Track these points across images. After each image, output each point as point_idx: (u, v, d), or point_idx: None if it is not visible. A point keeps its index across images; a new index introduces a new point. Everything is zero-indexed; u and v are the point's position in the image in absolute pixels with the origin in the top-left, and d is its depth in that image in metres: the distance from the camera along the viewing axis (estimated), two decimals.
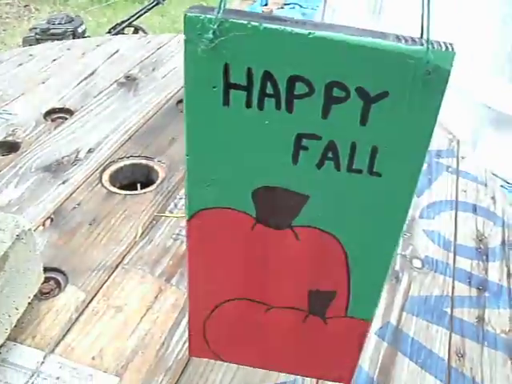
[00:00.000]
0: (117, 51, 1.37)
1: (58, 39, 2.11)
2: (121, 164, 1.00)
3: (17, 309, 0.69)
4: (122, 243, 0.86)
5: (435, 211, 1.00)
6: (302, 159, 0.41)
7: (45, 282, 0.76)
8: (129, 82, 1.27)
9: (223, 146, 0.42)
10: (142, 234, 0.88)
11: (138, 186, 0.99)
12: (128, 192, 0.96)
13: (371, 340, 0.76)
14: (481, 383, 0.73)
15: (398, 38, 0.37)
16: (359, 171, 0.41)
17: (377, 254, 0.46)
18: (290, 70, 0.38)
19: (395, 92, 0.38)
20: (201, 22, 0.37)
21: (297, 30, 0.36)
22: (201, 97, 0.40)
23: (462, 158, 1.15)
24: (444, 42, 0.36)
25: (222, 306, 0.51)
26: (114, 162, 1.01)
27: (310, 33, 0.36)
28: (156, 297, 0.78)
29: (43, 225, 0.88)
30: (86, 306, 0.76)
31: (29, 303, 0.71)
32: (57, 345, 0.72)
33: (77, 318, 0.75)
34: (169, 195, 0.96)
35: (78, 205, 0.92)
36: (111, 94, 1.22)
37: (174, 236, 0.88)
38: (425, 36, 0.36)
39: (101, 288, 0.79)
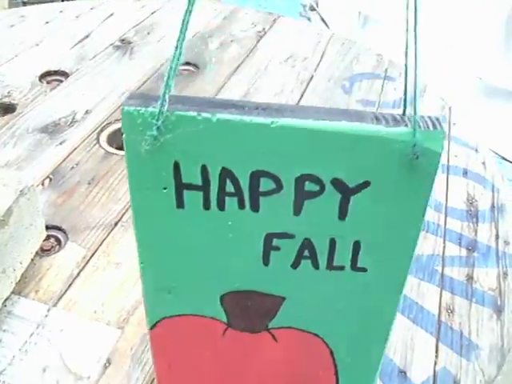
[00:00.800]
0: (111, 14, 1.37)
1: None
2: (118, 125, 1.00)
3: (21, 263, 0.70)
4: (120, 202, 0.87)
5: None
6: (274, 260, 0.36)
7: (45, 239, 0.77)
8: (124, 45, 1.27)
9: (182, 250, 0.37)
10: None
11: None
12: None
13: None
14: (468, 335, 0.75)
15: (376, 118, 0.32)
16: (341, 268, 0.36)
17: (365, 355, 0.42)
18: (252, 164, 0.32)
19: (378, 181, 0.33)
20: (141, 117, 0.31)
21: (257, 119, 0.31)
22: (150, 200, 0.35)
23: (454, 124, 1.17)
24: (430, 117, 0.31)
25: None
26: (111, 123, 1.02)
27: (272, 122, 0.31)
28: None
29: (42, 184, 0.89)
30: (87, 262, 0.78)
31: (31, 259, 0.73)
32: (59, 299, 0.73)
33: (78, 274, 0.77)
34: None
35: (77, 165, 0.93)
36: (106, 57, 1.22)
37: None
38: (408, 112, 0.31)
39: (101, 245, 0.80)
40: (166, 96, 0.30)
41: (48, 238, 0.79)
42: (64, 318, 0.71)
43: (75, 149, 0.96)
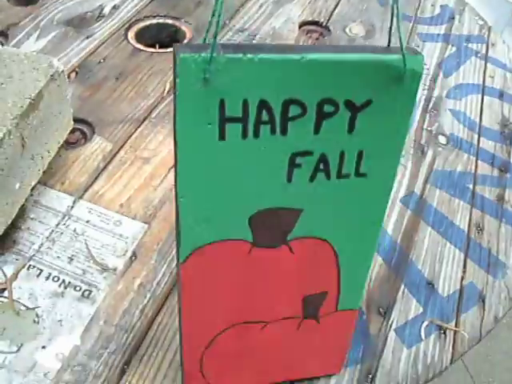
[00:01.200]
0: None
1: None
2: (147, 22, 0.97)
3: (49, 152, 0.68)
4: (149, 98, 0.85)
5: (462, 93, 0.98)
6: (296, 176, 0.42)
7: (71, 132, 0.75)
8: None
9: (219, 180, 0.41)
10: (170, 90, 0.86)
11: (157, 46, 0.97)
12: (155, 50, 0.94)
13: (395, 206, 0.77)
14: (496, 254, 0.74)
15: (375, 49, 0.39)
16: (347, 175, 0.43)
17: (363, 249, 0.48)
18: (284, 94, 0.38)
19: (377, 99, 0.40)
20: (194, 62, 0.35)
21: (289, 56, 0.37)
22: (195, 135, 0.38)
23: (492, 44, 1.12)
24: (410, 47, 0.39)
25: (219, 337, 0.50)
26: (139, 20, 0.98)
27: (302, 57, 0.37)
28: None
29: (68, 77, 0.86)
30: (114, 156, 0.76)
31: (58, 149, 0.71)
32: (85, 191, 0.72)
33: (104, 167, 0.75)
34: None
35: (104, 60, 0.90)
36: None
37: None
38: (397, 44, 0.38)
39: (128, 139, 0.79)
40: (216, 43, 0.35)
41: (74, 131, 0.77)
42: (90, 209, 0.70)
43: (103, 43, 0.93)
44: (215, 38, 0.35)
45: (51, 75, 0.65)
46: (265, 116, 0.39)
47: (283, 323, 0.51)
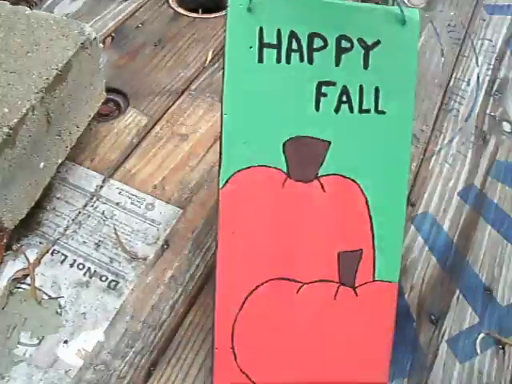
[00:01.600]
0: None
1: None
2: None
3: (77, 126, 0.62)
4: (189, 67, 0.78)
5: None
6: (323, 105, 0.48)
7: (104, 103, 0.69)
8: None
9: (257, 101, 0.47)
10: (212, 59, 0.80)
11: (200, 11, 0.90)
12: (197, 15, 0.87)
13: (453, 200, 0.69)
14: None
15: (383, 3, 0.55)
16: (368, 111, 0.49)
17: (392, 197, 0.51)
18: (310, 28, 0.48)
19: (384, 40, 0.49)
20: (244, 2, 0.46)
21: None
22: (240, 56, 0.47)
23: None
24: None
25: (254, 293, 0.49)
26: None
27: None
28: None
29: (103, 43, 0.80)
30: (149, 131, 0.70)
31: (88, 123, 0.65)
32: (116, 169, 0.66)
33: (138, 143, 0.69)
34: None
35: (142, 24, 0.84)
36: None
37: None
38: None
39: (165, 113, 0.72)
40: None
41: (107, 101, 0.71)
42: (120, 190, 0.65)
43: (141, 6, 0.86)
44: None
45: (82, 43, 0.59)
46: (294, 45, 0.48)
47: (319, 287, 0.50)
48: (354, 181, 0.50)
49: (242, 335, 0.49)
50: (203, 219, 0.63)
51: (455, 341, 0.58)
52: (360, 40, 0.49)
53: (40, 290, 0.57)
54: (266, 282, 0.49)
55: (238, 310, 0.49)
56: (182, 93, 0.75)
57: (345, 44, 0.48)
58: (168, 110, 0.73)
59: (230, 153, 0.47)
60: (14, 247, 0.59)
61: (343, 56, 0.48)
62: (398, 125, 0.50)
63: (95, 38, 0.61)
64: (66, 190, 0.64)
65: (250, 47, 0.47)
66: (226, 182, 0.48)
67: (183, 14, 0.86)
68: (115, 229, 0.61)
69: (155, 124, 0.71)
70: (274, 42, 0.47)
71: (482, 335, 0.59)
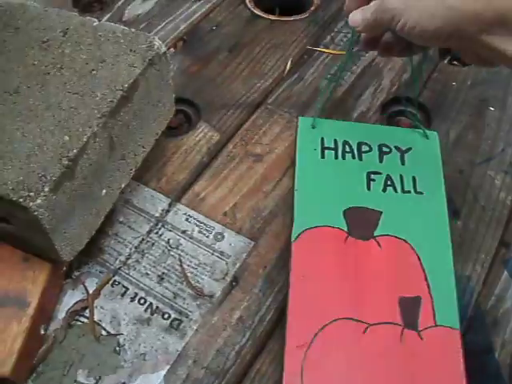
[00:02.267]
0: None
1: None
2: None
3: (143, 147, 0.58)
4: (266, 77, 0.72)
5: None
6: (373, 186, 0.61)
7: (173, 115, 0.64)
8: None
9: (321, 182, 0.61)
10: (292, 69, 0.73)
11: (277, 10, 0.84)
12: (275, 17, 0.80)
13: None
14: None
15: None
16: (409, 191, 0.61)
17: (439, 254, 0.57)
18: (358, 139, 0.65)
19: (415, 147, 0.65)
20: (307, 120, 0.65)
21: (357, 123, 0.69)
22: (307, 155, 0.63)
23: None
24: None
25: (322, 331, 0.52)
26: None
27: (365, 125, 0.69)
28: None
29: (174, 47, 0.75)
30: (221, 150, 0.65)
31: (156, 140, 0.60)
32: (184, 192, 0.62)
33: (208, 163, 0.64)
34: (325, 26, 0.79)
35: (216, 26, 0.78)
36: None
37: (328, 76, 0.73)
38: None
39: (239, 129, 0.67)
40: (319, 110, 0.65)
41: (176, 113, 0.65)
42: (188, 216, 0.60)
43: (216, 7, 0.81)
44: (319, 110, 0.65)
45: (150, 59, 0.54)
46: (347, 148, 0.64)
47: (385, 329, 0.53)
48: (405, 241, 0.58)
49: (310, 374, 0.50)
50: (277, 253, 0.58)
51: None
52: (396, 147, 0.65)
53: (99, 324, 0.53)
54: (334, 320, 0.52)
55: (307, 348, 0.50)
56: (258, 106, 0.69)
57: (385, 149, 0.64)
58: (242, 125, 0.67)
59: (300, 217, 0.58)
60: (74, 276, 0.55)
61: (384, 156, 0.64)
62: (434, 201, 0.61)
63: (165, 53, 0.56)
64: (129, 214, 0.59)
65: (315, 149, 0.63)
66: (297, 236, 0.56)
67: (260, 16, 0.80)
68: (181, 260, 0.57)
69: (228, 141, 0.66)
70: (332, 146, 0.64)
71: None
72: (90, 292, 0.55)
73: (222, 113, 0.68)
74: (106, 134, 0.50)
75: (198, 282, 0.56)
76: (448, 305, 0.54)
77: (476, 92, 0.74)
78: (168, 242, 0.58)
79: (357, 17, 0.52)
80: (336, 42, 0.77)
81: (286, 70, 0.73)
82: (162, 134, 0.61)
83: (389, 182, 0.62)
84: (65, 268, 0.55)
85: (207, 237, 0.58)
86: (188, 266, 0.57)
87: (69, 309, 0.54)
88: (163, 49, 0.55)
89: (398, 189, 0.61)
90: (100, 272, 0.56)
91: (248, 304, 0.55)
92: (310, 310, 0.53)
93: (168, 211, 0.60)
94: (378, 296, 0.54)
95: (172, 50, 0.74)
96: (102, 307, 0.54)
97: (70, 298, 0.54)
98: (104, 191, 0.53)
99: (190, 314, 0.54)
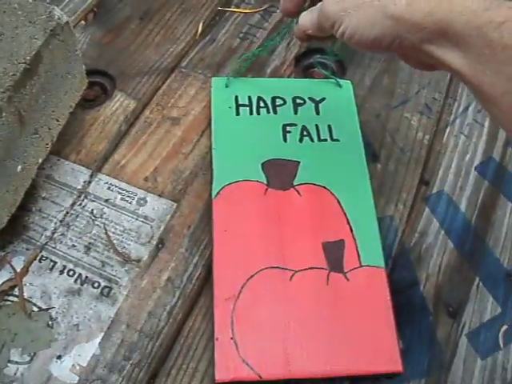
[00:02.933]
0: None
1: None
2: None
3: (57, 120, 0.57)
4: (179, 42, 0.72)
5: None
6: (289, 138, 0.63)
7: (88, 87, 0.64)
8: None
9: (238, 139, 0.62)
10: (203, 31, 0.73)
11: None
12: None
13: (470, 176, 0.64)
14: None
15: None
16: (325, 140, 0.63)
17: (360, 197, 0.59)
18: (272, 94, 0.66)
19: (329, 97, 0.67)
20: (221, 80, 0.67)
21: (270, 79, 0.70)
22: (223, 114, 0.64)
23: None
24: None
25: (248, 282, 0.53)
26: None
27: (276, 79, 0.70)
28: None
29: (85, 19, 0.74)
30: (138, 117, 0.65)
31: (71, 113, 0.60)
32: (104, 162, 0.62)
33: (127, 130, 0.64)
34: None
35: None
36: None
37: (241, 35, 0.73)
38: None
39: (154, 95, 0.67)
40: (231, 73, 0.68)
41: (92, 85, 0.65)
42: (109, 185, 0.60)
43: None
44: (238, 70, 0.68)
45: (51, 30, 0.53)
46: (262, 104, 0.65)
47: (311, 274, 0.54)
48: (324, 187, 0.59)
49: (241, 324, 0.51)
50: (199, 213, 0.58)
51: (476, 334, 0.54)
52: (310, 98, 0.67)
53: (29, 301, 0.53)
54: (260, 270, 0.54)
55: (236, 299, 0.52)
56: (172, 71, 0.69)
57: (299, 101, 0.66)
58: (157, 90, 0.67)
59: (219, 174, 0.59)
60: None
61: (299, 108, 0.66)
62: (351, 147, 0.63)
63: (67, 22, 0.55)
64: (51, 189, 0.59)
65: (229, 107, 0.64)
66: (217, 193, 0.58)
67: None
68: (106, 229, 0.57)
69: (144, 108, 0.66)
70: (246, 103, 0.65)
71: (505, 327, 0.55)
72: (18, 270, 0.54)
73: (137, 80, 0.68)
74: (13, 109, 0.50)
75: (124, 248, 0.56)
76: (372, 245, 0.56)
77: None
78: (92, 213, 0.58)
79: (306, 20, 0.50)
80: (246, 1, 0.77)
81: (198, 33, 0.73)
82: (77, 106, 0.61)
83: (305, 133, 0.63)
84: None
85: (130, 203, 0.59)
86: (113, 233, 0.57)
87: None
88: (65, 18, 0.55)
89: (315, 138, 0.63)
90: (26, 249, 0.56)
91: (175, 264, 0.55)
92: (236, 262, 0.54)
93: (90, 182, 0.60)
94: (301, 243, 0.56)
95: (82, 22, 0.73)
96: (31, 284, 0.54)
97: None
98: (20, 167, 0.53)
99: (119, 280, 0.55)
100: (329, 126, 0.64)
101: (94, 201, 0.59)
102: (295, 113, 0.65)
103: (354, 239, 0.56)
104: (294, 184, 0.60)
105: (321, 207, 0.58)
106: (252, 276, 0.53)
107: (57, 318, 0.52)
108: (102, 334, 0.52)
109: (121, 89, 0.67)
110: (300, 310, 0.52)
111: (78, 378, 0.50)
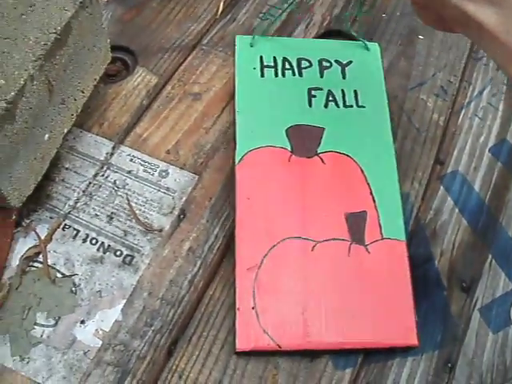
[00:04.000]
0: None
1: None
2: None
3: (83, 92, 0.58)
4: (200, 20, 0.73)
5: None
6: (314, 103, 0.62)
7: (110, 63, 0.64)
8: None
9: (262, 102, 0.61)
10: (224, 10, 0.74)
11: None
12: None
13: (484, 158, 0.65)
14: None
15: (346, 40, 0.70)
16: (351, 106, 0.62)
17: (384, 167, 0.59)
18: (297, 55, 0.65)
19: (355, 60, 0.66)
20: (246, 38, 0.67)
21: (296, 39, 0.70)
22: (247, 75, 0.63)
23: None
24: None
25: (270, 252, 0.53)
26: None
27: (302, 39, 0.70)
28: None
29: None
30: (159, 92, 0.66)
31: (94, 86, 0.61)
32: (127, 135, 0.63)
33: (149, 105, 0.65)
34: None
35: None
36: None
37: (260, 15, 0.74)
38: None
39: (176, 71, 0.68)
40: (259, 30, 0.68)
41: (114, 61, 0.66)
42: (132, 157, 0.61)
43: None
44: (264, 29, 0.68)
45: (80, 2, 0.54)
46: (287, 65, 0.64)
47: (333, 246, 0.54)
48: (349, 156, 0.59)
49: (262, 295, 0.51)
50: (220, 185, 0.60)
51: (488, 309, 0.55)
52: (336, 61, 0.65)
53: (53, 267, 0.54)
54: (282, 240, 0.54)
55: (257, 269, 0.52)
56: (194, 48, 0.70)
57: (325, 64, 0.65)
58: (179, 67, 0.68)
59: (242, 139, 0.59)
60: (24, 223, 0.56)
61: (325, 71, 0.64)
62: (377, 114, 0.62)
63: None
64: (74, 160, 0.60)
65: (254, 68, 0.64)
66: (241, 159, 0.58)
67: None
68: (128, 199, 0.58)
69: (166, 83, 0.67)
70: (271, 64, 0.64)
71: None
72: (42, 238, 0.56)
73: (159, 57, 0.69)
74: (44, 77, 0.51)
75: (146, 218, 0.57)
76: (393, 217, 0.56)
77: (405, 22, 0.76)
78: (115, 183, 0.59)
79: None
80: None
81: (219, 12, 0.74)
82: (100, 80, 0.62)
83: (330, 98, 0.62)
84: (14, 217, 0.56)
85: (152, 175, 0.60)
86: (136, 203, 0.58)
87: (22, 256, 0.55)
88: None
89: (340, 104, 0.62)
90: (50, 218, 0.57)
91: (196, 235, 0.57)
92: (258, 232, 0.54)
93: (112, 154, 0.61)
94: (324, 213, 0.56)
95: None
96: (54, 251, 0.55)
97: (23, 246, 0.55)
98: (47, 136, 0.54)
99: (141, 249, 0.56)
100: (355, 92, 0.63)
101: (116, 172, 0.60)
102: (321, 76, 0.64)
103: (377, 210, 0.56)
104: (318, 152, 0.59)
105: (344, 177, 0.58)
106: (274, 246, 0.54)
107: (80, 284, 0.54)
108: (124, 300, 0.53)
109: (142, 64, 0.68)
110: (320, 281, 0.53)
111: (101, 342, 0.51)
